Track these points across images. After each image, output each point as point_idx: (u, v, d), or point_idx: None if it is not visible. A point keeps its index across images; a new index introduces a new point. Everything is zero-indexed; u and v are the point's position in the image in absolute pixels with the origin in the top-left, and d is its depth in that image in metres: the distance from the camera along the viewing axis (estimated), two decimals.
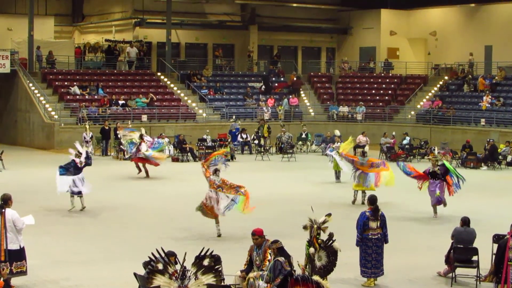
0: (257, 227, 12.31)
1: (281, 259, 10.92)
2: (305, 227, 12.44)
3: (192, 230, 18.55)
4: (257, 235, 12.03)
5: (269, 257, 11.67)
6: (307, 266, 12.16)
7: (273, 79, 46.88)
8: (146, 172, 28.16)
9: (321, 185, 26.65)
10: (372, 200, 13.94)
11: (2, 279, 9.99)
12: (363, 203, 21.30)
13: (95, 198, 21.71)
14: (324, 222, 12.38)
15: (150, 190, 25.17)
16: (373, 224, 13.69)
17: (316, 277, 10.84)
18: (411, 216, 20.73)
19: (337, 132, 30.24)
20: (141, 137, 28.28)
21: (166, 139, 35.35)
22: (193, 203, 22.51)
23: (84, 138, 33.20)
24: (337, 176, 27.00)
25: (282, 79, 47.29)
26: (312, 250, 12.32)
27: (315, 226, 12.30)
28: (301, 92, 46.27)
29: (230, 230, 18.22)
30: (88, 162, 20.90)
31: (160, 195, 24.11)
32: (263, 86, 45.51)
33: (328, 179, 27.14)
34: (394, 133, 37.33)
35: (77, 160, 20.64)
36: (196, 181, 27.28)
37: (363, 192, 22.08)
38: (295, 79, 46.77)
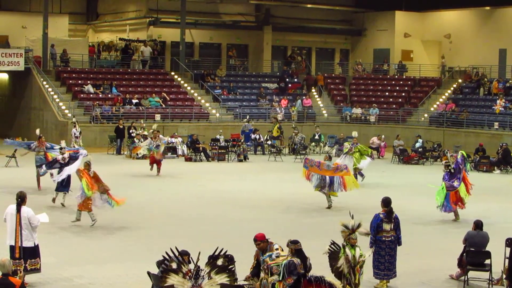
0: (259, 232, 12.10)
1: (297, 260, 10.87)
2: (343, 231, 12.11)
3: (205, 229, 18.58)
4: (259, 240, 11.82)
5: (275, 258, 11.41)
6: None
7: (287, 80, 46.90)
8: (158, 169, 28.29)
9: None
10: (386, 202, 13.89)
11: (17, 277, 10.05)
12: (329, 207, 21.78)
13: None
14: (359, 226, 12.09)
15: (162, 189, 25.23)
16: (386, 226, 13.67)
17: (329, 278, 10.85)
18: (424, 218, 20.65)
19: (355, 134, 30.12)
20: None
21: (180, 139, 35.50)
22: (206, 203, 22.65)
23: (74, 134, 33.20)
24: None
25: (295, 80, 47.29)
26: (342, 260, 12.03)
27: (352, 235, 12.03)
28: (315, 89, 46.29)
29: (242, 231, 18.23)
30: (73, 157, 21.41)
31: (173, 195, 24.16)
32: (281, 84, 45.61)
33: None
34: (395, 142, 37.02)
35: (60, 157, 21.71)
36: (208, 180, 27.43)
37: (328, 196, 21.98)
38: (306, 75, 47.16)
